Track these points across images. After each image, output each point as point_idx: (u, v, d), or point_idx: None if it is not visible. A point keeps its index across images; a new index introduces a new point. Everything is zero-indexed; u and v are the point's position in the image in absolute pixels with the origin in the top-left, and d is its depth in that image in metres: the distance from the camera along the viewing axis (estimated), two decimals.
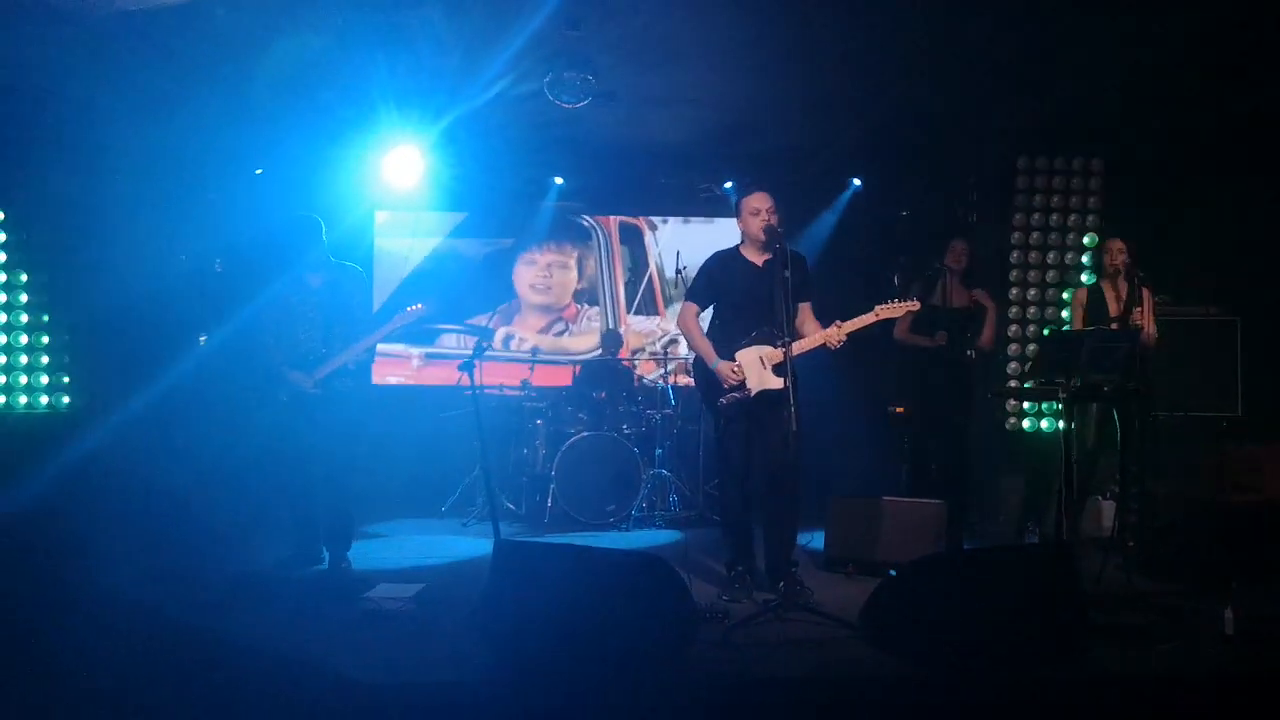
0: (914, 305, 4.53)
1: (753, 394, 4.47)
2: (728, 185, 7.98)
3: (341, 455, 5.13)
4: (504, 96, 6.54)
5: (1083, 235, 6.26)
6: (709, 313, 4.85)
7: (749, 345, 4.51)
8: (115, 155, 5.99)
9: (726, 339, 4.60)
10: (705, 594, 4.48)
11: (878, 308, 4.43)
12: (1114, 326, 5.44)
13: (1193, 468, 6.29)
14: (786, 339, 4.25)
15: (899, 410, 6.72)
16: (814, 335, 4.47)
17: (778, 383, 4.30)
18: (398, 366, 8.14)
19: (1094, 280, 5.68)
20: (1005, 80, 6.09)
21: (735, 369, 4.48)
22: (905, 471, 6.53)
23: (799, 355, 4.43)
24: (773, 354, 4.42)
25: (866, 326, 4.45)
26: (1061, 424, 4.84)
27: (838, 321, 4.40)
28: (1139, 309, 5.38)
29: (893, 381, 6.71)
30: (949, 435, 6.55)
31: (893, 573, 4.17)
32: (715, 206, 8.17)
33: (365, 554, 5.40)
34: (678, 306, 8.04)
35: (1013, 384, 6.21)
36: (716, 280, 4.72)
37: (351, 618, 4.14)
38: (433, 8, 4.91)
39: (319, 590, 4.43)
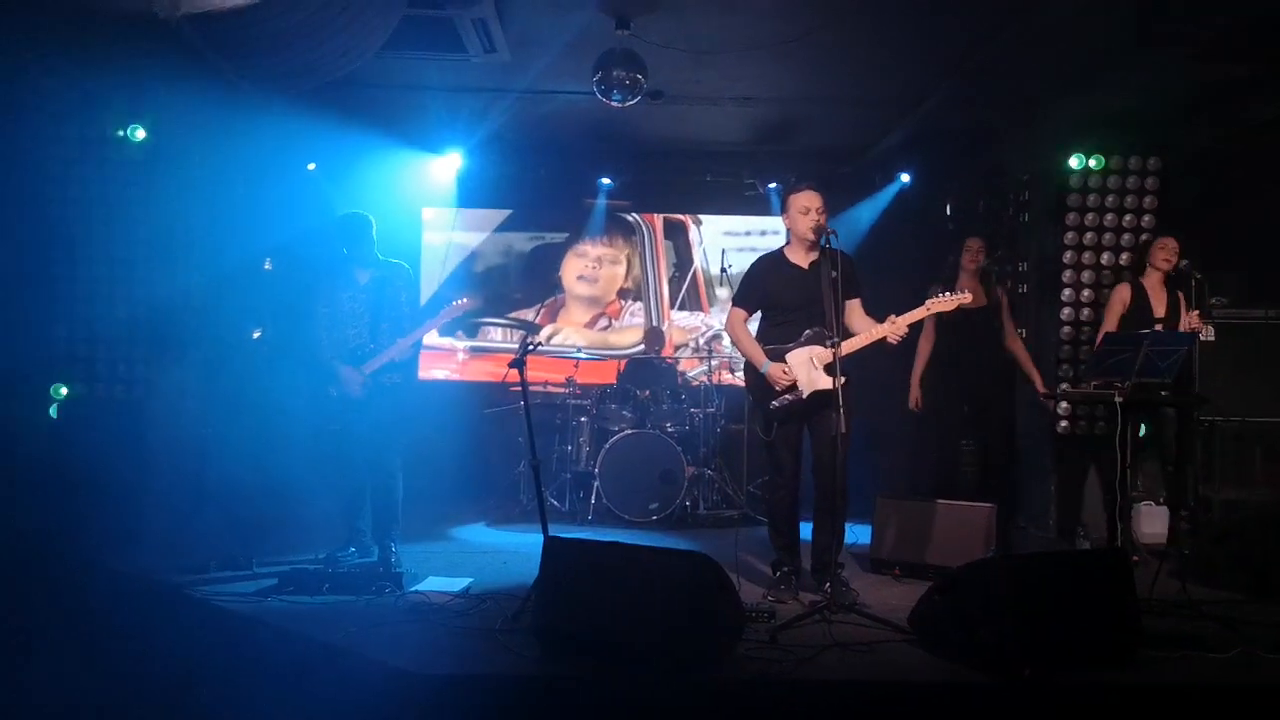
0: (965, 298, 4.49)
1: (804, 395, 4.45)
2: (772, 185, 7.96)
3: (390, 449, 5.20)
4: (552, 95, 6.60)
5: (1138, 235, 6.13)
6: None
7: (799, 347, 4.50)
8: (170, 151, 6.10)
9: (777, 342, 4.58)
10: (751, 594, 4.48)
11: (929, 301, 4.41)
12: (1159, 327, 5.35)
13: (1250, 473, 6.15)
14: (835, 339, 4.23)
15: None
16: (870, 330, 4.44)
17: (829, 383, 4.28)
18: (443, 361, 8.23)
19: (1137, 278, 5.55)
20: (1059, 77, 6.01)
21: (786, 371, 4.47)
22: (940, 472, 6.47)
23: (857, 351, 4.43)
24: (824, 354, 4.39)
25: (920, 319, 4.43)
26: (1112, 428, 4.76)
27: (892, 316, 4.36)
28: (1194, 312, 5.29)
29: (930, 379, 6.64)
30: (995, 437, 6.48)
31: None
32: (762, 205, 8.15)
33: (413, 548, 5.47)
34: (720, 302, 8.09)
35: (1065, 386, 6.11)
36: (763, 285, 4.70)
37: (400, 610, 4.20)
38: (483, 6, 4.94)
39: (367, 582, 4.47)
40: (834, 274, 4.27)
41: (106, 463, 5.63)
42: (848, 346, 4.36)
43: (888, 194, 8.04)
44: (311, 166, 7.44)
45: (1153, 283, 5.50)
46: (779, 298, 4.65)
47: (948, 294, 4.45)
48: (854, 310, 4.59)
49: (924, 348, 5.96)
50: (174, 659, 3.59)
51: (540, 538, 3.95)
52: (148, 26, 3.49)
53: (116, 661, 3.54)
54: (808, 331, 4.48)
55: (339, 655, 3.57)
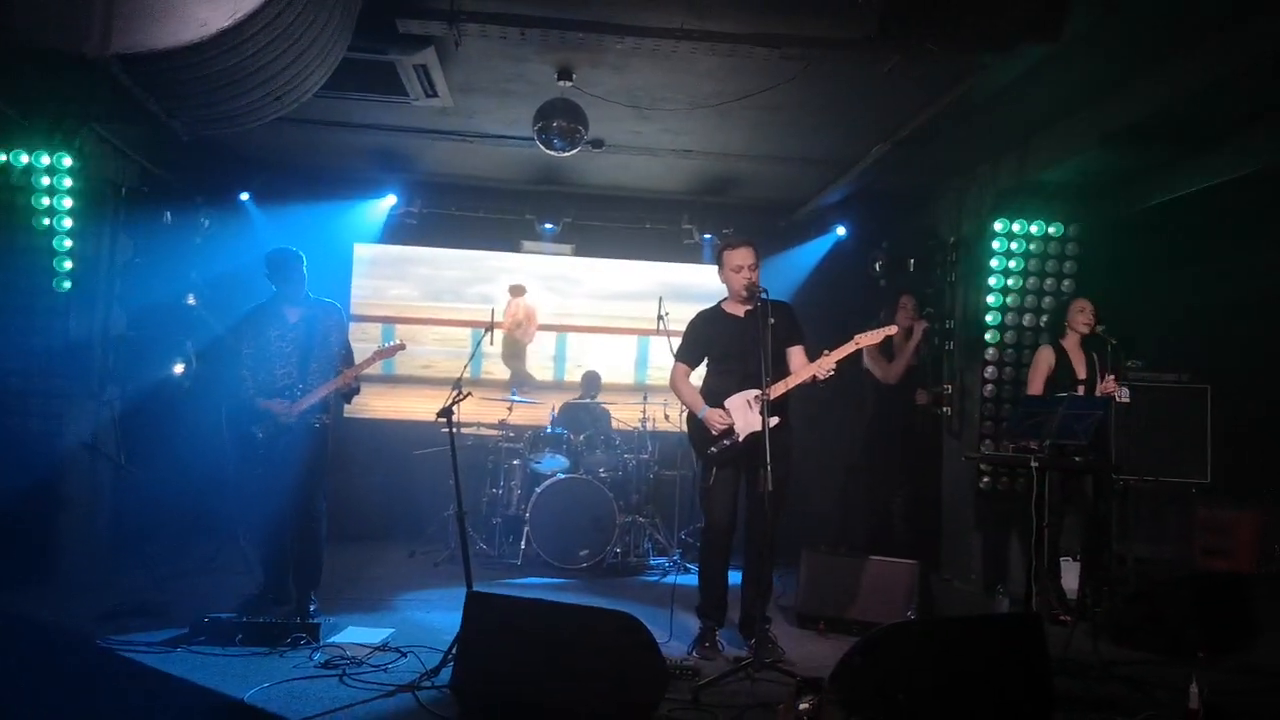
0: (891, 329, 4.59)
1: (741, 438, 4.49)
2: (706, 236, 8.08)
3: (314, 492, 5.08)
4: (492, 139, 6.62)
5: (1059, 299, 6.34)
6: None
7: (738, 393, 4.55)
8: (95, 183, 5.96)
9: (718, 391, 4.64)
10: (676, 649, 4.49)
11: (857, 336, 4.47)
12: (1081, 389, 5.51)
13: (1162, 533, 6.35)
14: (765, 387, 4.23)
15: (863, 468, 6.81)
16: (799, 370, 4.50)
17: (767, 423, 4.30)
18: (373, 400, 8.10)
19: (1057, 340, 5.72)
20: (984, 145, 6.23)
21: (722, 415, 4.51)
22: (871, 524, 6.58)
23: (791, 391, 4.50)
24: (760, 397, 4.43)
25: (850, 355, 4.48)
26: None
27: (826, 350, 4.43)
28: (1111, 377, 5.45)
29: (864, 432, 6.76)
30: (919, 490, 6.61)
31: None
32: (701, 252, 8.24)
33: (333, 595, 5.33)
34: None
35: (988, 442, 6.25)
36: (702, 338, 4.78)
37: (315, 665, 4.08)
38: (425, 53, 4.95)
39: (283, 633, 4.34)
40: (769, 321, 4.31)
41: (18, 499, 5.42)
42: (781, 387, 4.44)
43: (824, 244, 8.21)
44: (245, 196, 7.34)
45: (1072, 345, 5.67)
46: (718, 348, 4.73)
47: (872, 330, 4.52)
48: (796, 356, 4.66)
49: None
50: (67, 712, 3.42)
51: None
52: (75, 63, 3.42)
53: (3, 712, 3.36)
54: (745, 379, 4.52)
55: (247, 715, 3.45)
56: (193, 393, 6.29)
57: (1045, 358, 5.66)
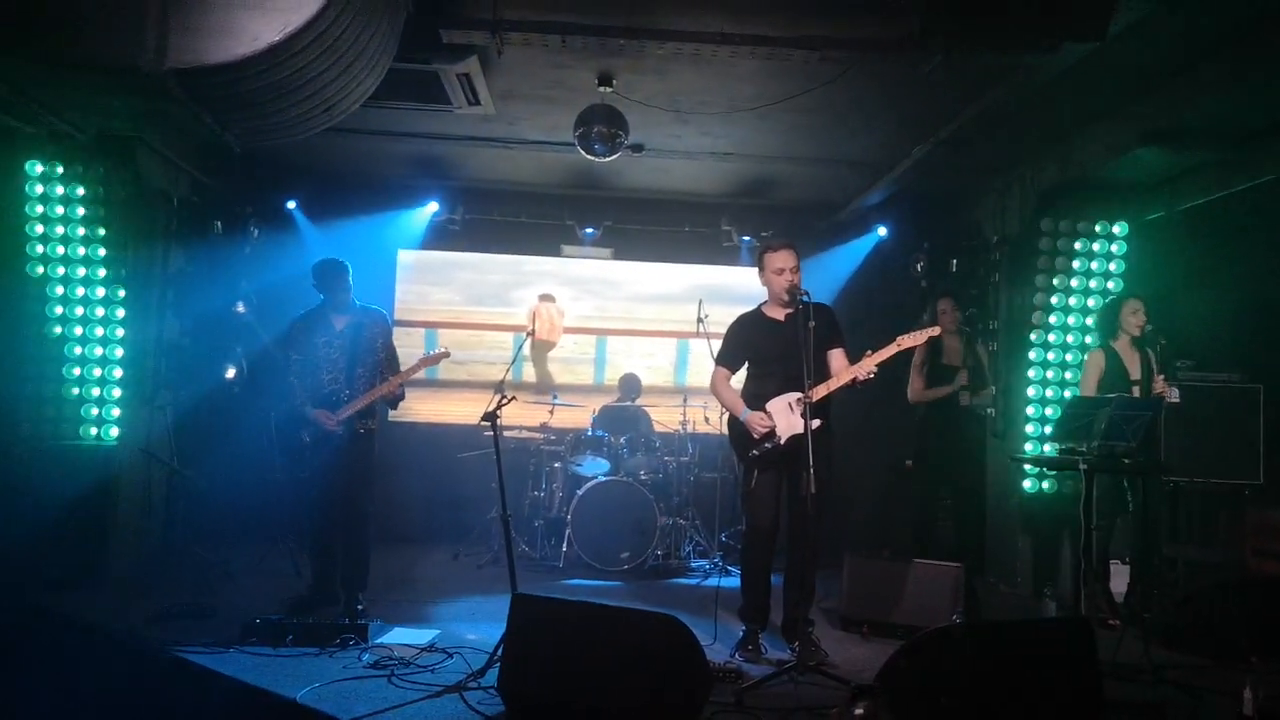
0: (934, 330, 4.55)
1: (782, 441, 4.49)
2: (745, 238, 8.07)
3: (361, 496, 5.17)
4: (534, 145, 6.68)
5: (1105, 298, 6.25)
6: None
7: (779, 396, 4.55)
8: (149, 194, 6.11)
9: (759, 394, 4.64)
10: (719, 652, 4.49)
11: (900, 338, 4.43)
12: (1135, 390, 5.42)
13: (1213, 535, 6.22)
14: (806, 390, 4.24)
15: (909, 465, 6.74)
16: (841, 373, 4.48)
17: (810, 425, 4.29)
18: (417, 404, 8.19)
19: (1108, 342, 5.62)
20: (1027, 144, 6.16)
21: (763, 418, 4.51)
22: (914, 527, 6.52)
23: (834, 393, 4.48)
24: (802, 400, 4.43)
25: (891, 357, 4.45)
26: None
27: (868, 351, 4.41)
28: (1160, 376, 5.36)
29: (909, 437, 6.72)
30: (963, 493, 6.54)
31: None
32: (741, 255, 8.24)
33: (379, 596, 5.41)
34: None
35: (1029, 446, 6.18)
36: (742, 342, 4.78)
37: (364, 665, 4.15)
38: (469, 62, 5.01)
39: (332, 634, 4.42)
40: (810, 324, 4.31)
41: (73, 503, 5.57)
42: (823, 389, 4.43)
43: (865, 245, 8.17)
44: (292, 205, 7.48)
45: (1123, 346, 5.56)
46: (758, 351, 4.73)
47: (914, 331, 4.48)
48: (837, 359, 4.65)
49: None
50: (121, 712, 3.50)
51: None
52: (131, 77, 3.52)
53: (54, 712, 3.45)
54: (785, 382, 4.51)
55: (299, 714, 3.51)
56: (243, 398, 6.43)
57: (1096, 361, 5.56)
